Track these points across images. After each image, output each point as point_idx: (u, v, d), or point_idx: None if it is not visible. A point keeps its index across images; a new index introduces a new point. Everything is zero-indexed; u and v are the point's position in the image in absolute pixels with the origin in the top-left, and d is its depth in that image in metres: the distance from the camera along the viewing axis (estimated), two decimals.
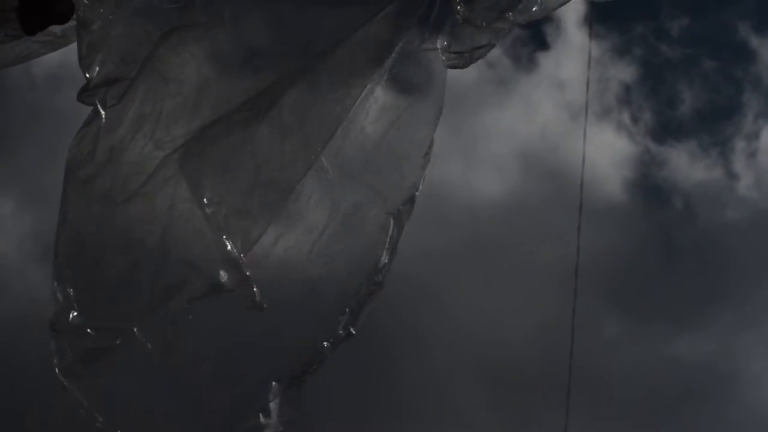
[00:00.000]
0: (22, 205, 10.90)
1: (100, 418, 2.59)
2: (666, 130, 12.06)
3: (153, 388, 2.65)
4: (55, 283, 2.65)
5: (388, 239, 2.76)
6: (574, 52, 11.70)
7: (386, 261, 2.76)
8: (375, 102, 2.80)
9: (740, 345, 11.41)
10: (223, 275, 2.65)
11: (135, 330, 2.58)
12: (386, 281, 2.74)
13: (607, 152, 11.65)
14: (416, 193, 2.81)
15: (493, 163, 11.93)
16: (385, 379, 11.19)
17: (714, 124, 12.55)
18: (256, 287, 2.66)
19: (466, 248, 11.56)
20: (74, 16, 2.83)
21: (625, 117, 11.82)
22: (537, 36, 11.95)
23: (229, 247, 2.66)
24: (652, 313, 11.72)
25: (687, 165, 11.81)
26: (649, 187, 11.93)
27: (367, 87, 2.77)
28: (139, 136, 2.71)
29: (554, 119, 11.91)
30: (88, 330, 2.60)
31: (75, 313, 2.60)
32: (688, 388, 11.30)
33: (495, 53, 11.92)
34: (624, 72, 11.83)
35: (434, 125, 2.83)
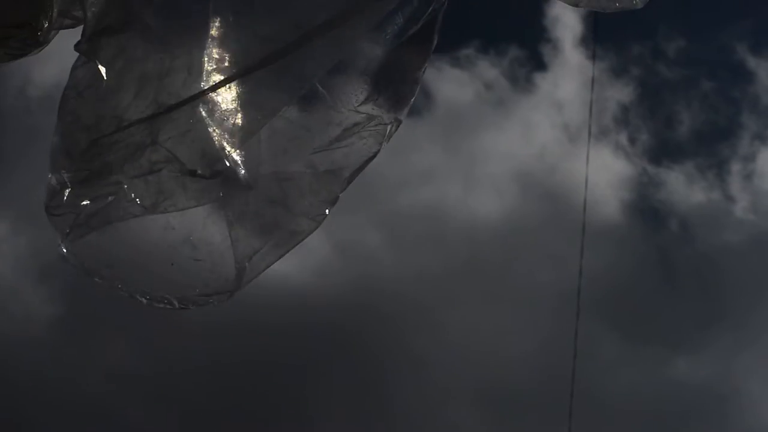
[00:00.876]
0: (17, 226, 10.90)
1: (101, 277, 2.68)
2: (664, 152, 12.08)
3: (145, 239, 2.72)
4: (49, 175, 2.69)
5: (385, 138, 2.90)
6: (572, 72, 11.73)
7: (381, 147, 2.90)
8: (376, 53, 2.91)
9: (739, 366, 11.40)
10: (202, 165, 2.72)
11: (125, 187, 2.64)
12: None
13: (604, 173, 11.66)
14: (412, 100, 2.94)
15: (491, 185, 11.95)
16: (383, 401, 11.16)
17: (711, 146, 12.57)
18: (245, 170, 2.73)
19: (464, 269, 11.56)
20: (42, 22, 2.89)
21: (623, 138, 11.84)
22: (535, 57, 11.98)
23: (211, 145, 2.75)
24: (651, 335, 11.71)
25: (684, 187, 11.82)
26: (647, 208, 11.94)
27: (363, 43, 2.89)
28: (141, 95, 2.77)
29: (552, 140, 11.93)
30: (83, 203, 2.66)
31: (69, 190, 2.66)
32: (687, 410, 11.28)
33: (492, 74, 11.94)
34: (622, 93, 11.85)
35: (429, 53, 2.95)
